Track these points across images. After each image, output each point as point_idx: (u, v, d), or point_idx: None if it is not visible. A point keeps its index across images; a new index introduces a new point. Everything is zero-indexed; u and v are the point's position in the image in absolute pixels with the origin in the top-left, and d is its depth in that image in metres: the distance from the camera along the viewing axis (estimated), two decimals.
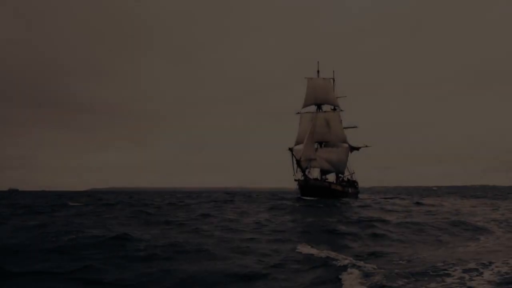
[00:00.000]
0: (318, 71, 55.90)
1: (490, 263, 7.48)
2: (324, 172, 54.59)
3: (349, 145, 56.33)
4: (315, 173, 52.67)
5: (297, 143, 53.92)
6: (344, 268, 7.09)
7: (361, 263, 7.57)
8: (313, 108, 55.60)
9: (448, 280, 6.39)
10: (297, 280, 6.28)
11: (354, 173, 59.91)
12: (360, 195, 63.08)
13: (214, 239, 10.64)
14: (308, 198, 45.02)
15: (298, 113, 55.78)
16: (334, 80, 58.37)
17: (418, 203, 33.99)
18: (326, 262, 7.56)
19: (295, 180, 47.77)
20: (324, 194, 46.83)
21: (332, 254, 8.45)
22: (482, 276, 6.55)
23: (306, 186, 46.90)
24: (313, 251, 8.81)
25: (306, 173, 47.86)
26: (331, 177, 55.99)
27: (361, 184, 65.69)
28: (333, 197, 47.11)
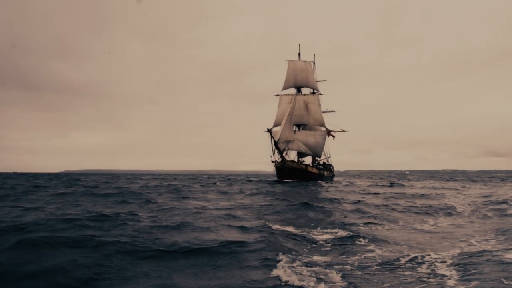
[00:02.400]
0: (299, 54, 55.86)
1: (446, 244, 8.40)
2: (301, 154, 55.37)
3: (327, 129, 57.14)
4: (292, 155, 53.26)
5: (276, 125, 54.17)
6: (305, 241, 8.15)
7: (317, 236, 8.51)
8: (292, 90, 55.63)
9: (398, 259, 7.10)
10: (265, 248, 7.13)
11: (330, 157, 61.25)
12: (335, 178, 64.75)
13: (205, 215, 11.78)
14: (285, 180, 45.91)
15: (278, 95, 55.94)
16: (314, 64, 58.96)
17: (389, 186, 35.52)
18: (290, 237, 8.56)
19: (273, 161, 48.10)
20: (301, 176, 47.70)
21: (298, 231, 9.45)
22: (434, 256, 7.35)
23: (283, 168, 47.32)
24: (288, 228, 9.75)
25: (284, 155, 48.30)
26: (308, 160, 57.00)
27: (336, 167, 67.32)
28: (309, 180, 48.16)
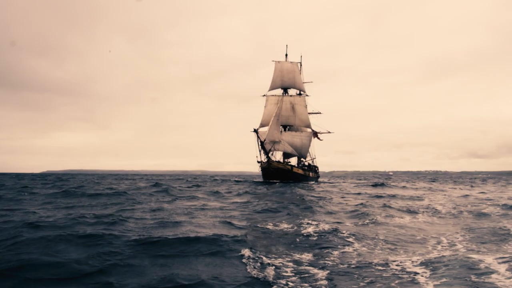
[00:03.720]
0: (286, 55, 55.86)
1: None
2: (286, 155, 55.77)
3: (313, 130, 57.68)
4: (278, 156, 53.52)
5: (262, 125, 54.26)
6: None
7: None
8: (279, 91, 55.74)
9: (376, 255, 7.54)
10: (250, 242, 7.65)
11: (315, 158, 61.96)
12: (320, 179, 65.54)
13: (198, 214, 12.65)
14: (270, 181, 46.22)
15: (264, 95, 55.94)
16: (301, 65, 59.40)
17: (373, 186, 36.34)
18: (274, 233, 9.12)
19: (258, 162, 48.14)
20: (286, 177, 47.99)
21: (282, 228, 9.97)
22: (409, 253, 7.81)
23: (268, 169, 47.46)
24: (273, 225, 10.29)
25: (270, 155, 48.35)
26: (293, 161, 57.49)
27: (321, 168, 68.09)
28: (295, 181, 48.63)
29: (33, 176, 76.88)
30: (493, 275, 5.71)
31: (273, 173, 47.20)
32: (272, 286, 5.39)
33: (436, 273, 6.00)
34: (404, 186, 38.37)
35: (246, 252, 7.01)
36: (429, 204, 17.81)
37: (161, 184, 33.86)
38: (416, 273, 6.03)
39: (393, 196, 23.36)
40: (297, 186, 34.42)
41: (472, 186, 40.03)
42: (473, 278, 5.60)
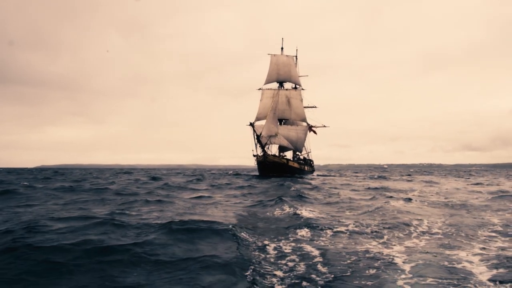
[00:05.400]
0: (282, 48, 56.24)
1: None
2: (282, 149, 56.30)
3: (308, 124, 58.15)
4: (273, 150, 53.98)
5: (258, 119, 54.60)
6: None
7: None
8: (275, 85, 56.34)
9: (362, 242, 8.10)
10: (246, 228, 8.23)
11: (310, 151, 62.65)
12: (315, 173, 66.23)
13: (209, 205, 13.59)
14: (266, 174, 46.68)
15: (260, 89, 56.31)
16: (296, 58, 59.57)
17: (369, 178, 37.05)
18: (271, 221, 9.75)
19: (254, 155, 48.54)
20: (282, 171, 48.49)
21: (283, 214, 10.61)
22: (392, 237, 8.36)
23: (264, 163, 47.88)
24: (271, 214, 10.98)
25: (266, 149, 48.83)
26: (289, 154, 58.08)
27: (316, 162, 68.81)
28: (291, 174, 49.17)
29: (29, 171, 76.91)
30: (466, 263, 6.25)
31: (269, 166, 47.67)
32: (275, 261, 6.28)
33: (413, 257, 6.59)
34: (400, 179, 39.10)
35: (250, 235, 7.94)
36: (422, 195, 18.43)
37: (161, 178, 34.31)
38: (395, 256, 6.62)
39: (388, 188, 23.95)
40: (293, 179, 35.00)
41: (467, 178, 40.92)
42: (446, 263, 6.16)
